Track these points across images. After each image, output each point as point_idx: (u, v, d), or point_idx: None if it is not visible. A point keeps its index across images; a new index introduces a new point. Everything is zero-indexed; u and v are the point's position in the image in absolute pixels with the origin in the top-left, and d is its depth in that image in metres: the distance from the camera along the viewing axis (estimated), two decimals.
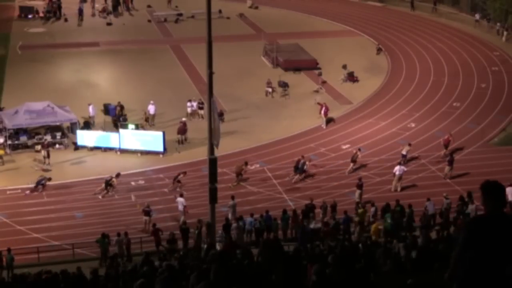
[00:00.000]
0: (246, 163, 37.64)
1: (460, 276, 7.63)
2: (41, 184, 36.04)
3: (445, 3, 76.86)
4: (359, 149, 39.10)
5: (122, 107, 44.67)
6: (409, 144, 39.87)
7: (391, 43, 63.42)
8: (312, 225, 31.27)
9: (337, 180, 37.21)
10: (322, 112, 44.75)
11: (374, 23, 70.56)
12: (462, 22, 70.18)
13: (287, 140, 42.63)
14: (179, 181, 36.20)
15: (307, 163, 37.50)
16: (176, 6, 74.50)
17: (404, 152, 38.98)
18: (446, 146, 40.26)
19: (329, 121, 45.05)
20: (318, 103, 45.67)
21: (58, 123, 42.43)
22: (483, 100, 49.06)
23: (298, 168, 37.37)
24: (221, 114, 41.90)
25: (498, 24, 66.20)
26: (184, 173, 36.73)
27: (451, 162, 37.26)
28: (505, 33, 64.04)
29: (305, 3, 79.53)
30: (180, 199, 32.94)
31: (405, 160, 38.63)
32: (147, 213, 32.77)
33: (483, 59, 58.26)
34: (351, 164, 38.32)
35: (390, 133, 43.64)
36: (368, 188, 35.89)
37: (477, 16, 66.78)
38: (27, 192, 35.87)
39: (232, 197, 32.91)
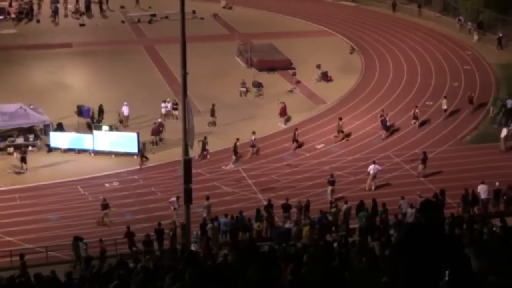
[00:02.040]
0: (237, 139, 39.18)
1: (400, 278, 8.30)
2: None
3: (416, 3, 77.34)
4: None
5: (101, 110, 44.28)
6: (445, 97, 46.12)
7: (365, 43, 63.71)
8: (287, 225, 31.34)
9: (312, 179, 37.32)
10: (279, 111, 44.94)
11: (347, 23, 70.85)
12: (435, 22, 70.71)
13: (261, 140, 42.63)
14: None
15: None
16: (150, 7, 74.21)
17: (444, 107, 45.46)
18: (382, 123, 43.10)
19: (288, 120, 45.24)
20: (282, 103, 45.70)
21: (31, 125, 42.05)
22: (455, 98, 49.45)
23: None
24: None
25: (470, 23, 66.80)
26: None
27: (424, 161, 37.56)
28: (476, 32, 64.66)
29: (279, 3, 79.59)
30: (173, 199, 32.68)
31: (447, 115, 45.31)
32: (104, 206, 33.00)
33: (455, 58, 58.77)
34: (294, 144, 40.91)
35: (364, 132, 43.85)
36: (342, 187, 36.07)
37: (462, 19, 67.05)
38: None
39: (207, 198, 32.89)
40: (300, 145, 41.92)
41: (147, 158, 39.13)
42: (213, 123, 44.49)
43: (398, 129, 44.41)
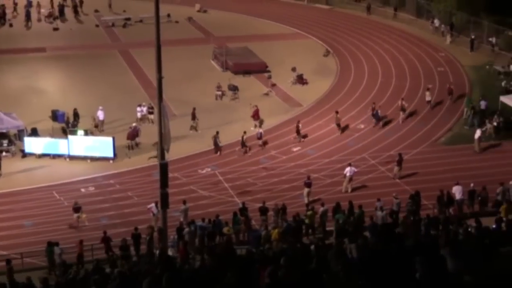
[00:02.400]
0: (245, 132, 41.56)
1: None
2: None
3: (391, 5, 77.88)
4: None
5: (76, 114, 43.97)
6: (428, 89, 48.75)
7: (339, 45, 63.98)
8: (263, 229, 31.32)
9: (289, 182, 37.37)
10: (252, 114, 45.03)
11: (322, 26, 71.10)
12: (408, 24, 71.22)
13: (237, 143, 42.63)
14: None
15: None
16: (124, 11, 73.90)
17: (428, 98, 47.75)
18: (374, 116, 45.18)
19: (261, 123, 45.37)
20: (254, 106, 45.71)
21: (4, 131, 41.63)
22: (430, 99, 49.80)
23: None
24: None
25: (443, 25, 67.37)
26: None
27: (399, 163, 37.79)
28: (449, 34, 65.23)
29: (254, 7, 79.67)
30: (152, 205, 32.45)
31: (432, 106, 47.66)
32: (77, 209, 32.93)
33: (429, 60, 59.21)
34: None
35: (340, 135, 43.99)
36: (319, 189, 36.18)
37: (436, 23, 67.39)
38: None
39: (184, 202, 32.82)
40: (304, 136, 43.24)
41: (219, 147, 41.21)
42: (194, 128, 44.40)
43: (390, 121, 45.71)
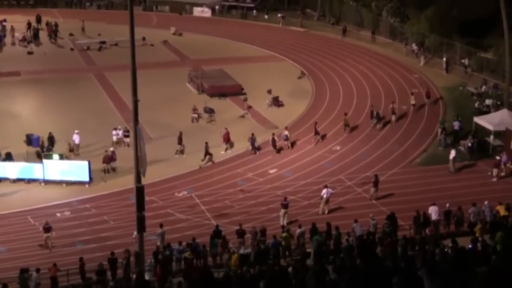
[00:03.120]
0: (273, 134, 45.58)
1: None
2: None
3: (366, 29, 78.70)
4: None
5: (51, 138, 43.61)
6: (412, 93, 53.24)
7: (314, 67, 64.39)
8: (241, 251, 31.23)
9: (266, 204, 37.35)
10: (222, 137, 45.14)
11: (297, 48, 71.56)
12: (382, 46, 71.94)
13: (214, 166, 42.65)
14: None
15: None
16: (99, 34, 73.86)
17: (413, 102, 52.35)
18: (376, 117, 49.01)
19: (231, 145, 45.47)
20: (225, 129, 45.76)
21: None
22: (405, 121, 50.26)
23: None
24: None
25: (416, 47, 68.13)
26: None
27: (376, 184, 37.94)
28: (422, 56, 65.97)
29: (229, 29, 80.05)
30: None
31: (416, 109, 51.86)
32: (47, 229, 32.81)
33: (403, 82, 59.75)
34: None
35: (316, 156, 44.14)
36: (296, 211, 36.18)
37: (414, 47, 67.85)
38: None
39: (161, 225, 32.61)
40: (323, 136, 46.58)
41: (211, 154, 42.89)
42: (181, 151, 44.33)
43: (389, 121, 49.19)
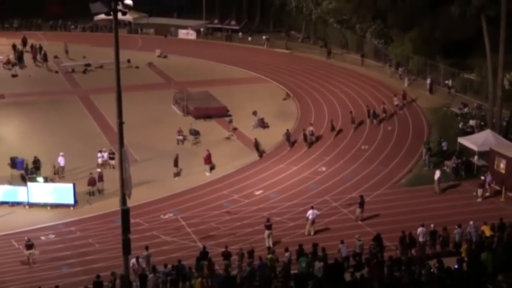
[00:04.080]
0: (287, 129, 50.93)
1: None
2: None
3: (350, 50, 79.27)
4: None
5: (37, 162, 43.32)
6: (395, 95, 58.73)
7: (299, 89, 64.66)
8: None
9: (252, 226, 37.27)
10: (204, 159, 45.10)
11: (282, 70, 71.91)
12: (366, 68, 72.42)
13: (199, 188, 42.58)
14: None
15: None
16: (84, 57, 73.87)
17: (396, 103, 58.09)
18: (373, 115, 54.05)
19: (212, 168, 45.47)
20: (207, 150, 45.76)
21: None
22: (389, 142, 50.48)
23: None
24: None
25: (400, 69, 68.62)
26: None
27: (361, 204, 37.98)
28: (406, 78, 66.43)
29: (213, 52, 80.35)
30: (133, 261, 31.89)
31: (400, 108, 57.27)
32: (29, 246, 32.75)
33: (388, 103, 60.00)
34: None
35: (301, 178, 44.18)
36: (282, 233, 36.12)
37: (400, 70, 67.92)
38: None
39: (146, 248, 32.42)
40: (311, 143, 50.01)
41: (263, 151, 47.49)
42: (178, 174, 44.21)
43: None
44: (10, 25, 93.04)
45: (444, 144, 47.37)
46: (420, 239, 33.84)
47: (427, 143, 47.57)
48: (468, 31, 63.16)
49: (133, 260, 31.15)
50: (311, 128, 50.83)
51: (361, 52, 75.49)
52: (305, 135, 50.05)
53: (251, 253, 32.40)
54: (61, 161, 43.61)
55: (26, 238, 33.73)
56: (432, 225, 34.52)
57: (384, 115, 55.54)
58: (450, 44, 67.09)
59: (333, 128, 52.67)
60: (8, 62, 71.52)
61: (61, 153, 43.96)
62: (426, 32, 68.83)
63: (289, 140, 49.96)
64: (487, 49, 51.43)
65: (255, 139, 48.95)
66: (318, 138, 50.70)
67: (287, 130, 50.84)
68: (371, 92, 63.51)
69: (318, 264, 30.19)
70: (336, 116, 56.58)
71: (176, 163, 44.45)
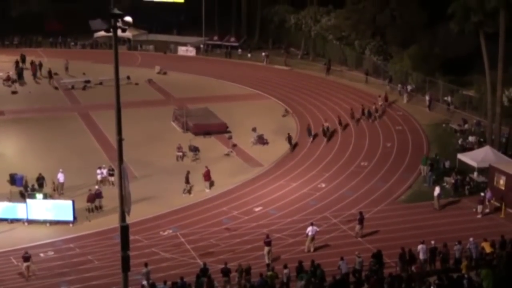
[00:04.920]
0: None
1: None
2: None
3: (349, 65, 79.52)
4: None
5: (40, 178, 43.20)
6: (379, 96, 63.46)
7: (299, 105, 64.74)
8: None
9: (251, 243, 37.18)
10: (203, 175, 45.04)
11: (281, 86, 72.04)
12: (365, 84, 72.57)
13: (199, 204, 42.52)
14: None
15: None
16: (84, 73, 74.02)
17: (380, 103, 62.62)
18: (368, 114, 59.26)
19: (212, 184, 45.43)
20: (205, 167, 45.74)
21: None
22: (389, 158, 50.49)
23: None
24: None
25: (399, 85, 68.77)
26: None
27: (361, 221, 37.91)
28: (405, 94, 66.57)
29: (213, 68, 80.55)
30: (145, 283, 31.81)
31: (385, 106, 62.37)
32: (26, 259, 32.76)
33: (387, 119, 60.14)
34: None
35: (301, 194, 44.13)
36: (281, 249, 36.03)
37: (409, 88, 67.60)
38: None
39: (146, 265, 32.34)
40: (315, 136, 55.18)
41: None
42: (189, 191, 44.24)
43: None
44: (11, 42, 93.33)
45: (446, 162, 47.31)
46: (421, 256, 33.75)
47: (425, 160, 47.40)
48: (467, 48, 63.46)
49: (144, 282, 31.11)
50: (327, 123, 55.94)
51: (365, 70, 75.31)
52: (324, 131, 55.15)
53: (247, 270, 32.24)
54: (60, 177, 43.58)
55: (23, 250, 33.65)
56: (432, 242, 34.45)
57: (376, 114, 60.11)
58: (449, 60, 67.34)
59: (324, 132, 55.39)
60: (8, 79, 71.64)
61: (61, 169, 43.94)
62: (425, 48, 69.14)
63: (310, 133, 55.01)
64: (485, 65, 51.55)
65: (288, 133, 53.89)
66: (332, 135, 55.77)
67: (308, 124, 56.60)
68: (383, 120, 63.52)
69: (299, 283, 30.24)
70: (336, 132, 56.57)
71: (187, 180, 44.40)
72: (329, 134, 55.16)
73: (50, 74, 72.72)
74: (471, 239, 34.61)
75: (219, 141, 54.47)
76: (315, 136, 55.09)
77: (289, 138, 53.38)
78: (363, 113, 59.82)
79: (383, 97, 64.38)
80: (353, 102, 65.27)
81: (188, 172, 44.69)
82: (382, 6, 75.22)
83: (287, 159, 50.56)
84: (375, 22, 76.66)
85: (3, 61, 76.98)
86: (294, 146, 52.80)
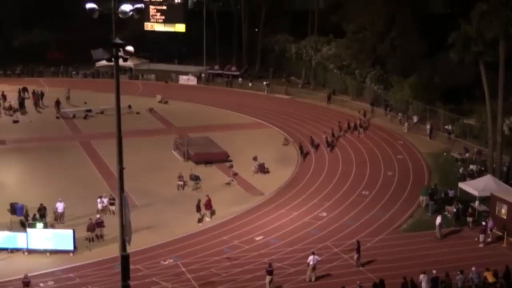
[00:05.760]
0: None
1: None
2: None
3: (349, 95, 79.78)
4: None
5: (42, 209, 43.10)
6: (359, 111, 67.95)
7: (300, 134, 64.83)
8: None
9: (252, 272, 36.99)
10: (204, 204, 44.88)
11: (282, 115, 72.23)
12: (371, 114, 72.71)
13: (200, 233, 42.36)
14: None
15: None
16: (85, 102, 74.28)
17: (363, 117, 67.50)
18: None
19: (213, 213, 45.24)
20: (206, 196, 45.66)
21: None
22: (390, 187, 50.42)
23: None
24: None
25: (400, 114, 68.95)
26: None
27: (358, 250, 37.75)
28: (406, 123, 66.72)
29: (214, 97, 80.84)
30: None
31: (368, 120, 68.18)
32: (26, 284, 33.00)
33: (388, 148, 60.19)
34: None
35: (302, 223, 43.99)
36: (282, 279, 35.84)
37: (415, 119, 67.55)
38: None
39: None
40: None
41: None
42: (201, 219, 44.20)
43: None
44: (13, 72, 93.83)
45: (450, 192, 47.17)
46: (423, 286, 33.56)
47: (425, 191, 47.20)
48: (467, 77, 63.68)
49: None
50: (325, 135, 61.39)
51: (371, 101, 75.04)
52: (326, 139, 60.64)
53: None
54: (59, 207, 43.46)
55: (23, 274, 33.52)
56: (434, 271, 34.29)
57: (361, 128, 65.41)
58: (449, 89, 67.57)
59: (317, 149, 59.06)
60: (9, 108, 71.90)
61: (59, 199, 43.85)
62: (425, 77, 69.42)
63: (313, 143, 59.98)
64: (486, 94, 51.68)
65: (300, 143, 59.31)
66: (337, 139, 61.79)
67: (311, 136, 61.68)
68: (371, 136, 63.69)
69: None
70: (336, 160, 56.64)
71: (198, 208, 44.28)
72: (332, 144, 60.16)
73: (57, 104, 72.81)
74: (473, 268, 34.46)
75: (220, 170, 54.46)
76: (318, 146, 60.18)
77: (301, 148, 58.83)
78: (348, 127, 65.24)
79: (362, 113, 68.98)
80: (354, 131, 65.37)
81: (199, 201, 44.61)
82: (382, 36, 75.75)
83: (288, 188, 50.47)
84: (376, 52, 77.11)
85: (5, 91, 77.16)
86: (305, 155, 57.97)
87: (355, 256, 37.81)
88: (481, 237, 40.79)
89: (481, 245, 40.58)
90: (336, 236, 41.80)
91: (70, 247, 39.36)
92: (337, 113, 73.33)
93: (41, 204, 43.30)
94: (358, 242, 38.39)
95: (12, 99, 74.42)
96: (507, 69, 49.58)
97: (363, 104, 74.89)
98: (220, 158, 56.26)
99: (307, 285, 34.84)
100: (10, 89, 77.27)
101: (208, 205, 44.99)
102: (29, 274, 35.66)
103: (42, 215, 42.80)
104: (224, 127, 67.10)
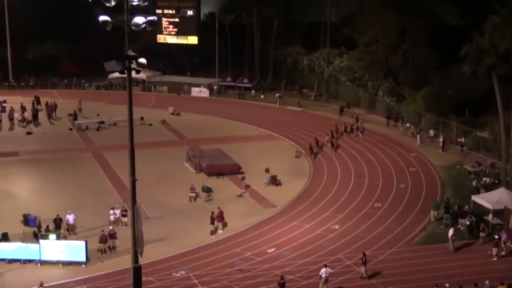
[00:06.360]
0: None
1: None
2: None
3: (362, 107, 79.70)
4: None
5: (57, 220, 43.23)
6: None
7: (313, 146, 64.69)
8: None
9: (264, 284, 36.90)
10: (216, 216, 44.81)
11: (294, 127, 72.22)
12: (378, 125, 72.64)
13: (212, 245, 42.32)
14: None
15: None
16: (98, 114, 74.59)
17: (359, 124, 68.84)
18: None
19: (225, 225, 45.19)
20: (218, 208, 45.63)
21: None
22: (403, 200, 50.23)
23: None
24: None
25: (412, 126, 68.80)
26: None
27: (364, 262, 37.58)
28: (418, 135, 66.55)
29: (226, 109, 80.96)
30: None
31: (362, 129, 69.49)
32: None
33: (401, 160, 60.02)
34: None
35: (314, 235, 43.88)
36: None
37: (431, 133, 66.88)
38: None
39: None
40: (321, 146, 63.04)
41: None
42: (214, 231, 44.22)
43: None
44: (26, 84, 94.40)
45: (466, 207, 46.89)
46: None
47: (435, 206, 46.92)
48: (480, 89, 63.49)
49: None
50: (327, 137, 64.83)
51: (387, 114, 74.69)
52: (331, 143, 63.74)
53: None
54: (70, 219, 43.55)
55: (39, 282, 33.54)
56: (447, 285, 34.09)
57: (358, 131, 68.73)
58: (462, 102, 67.37)
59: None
60: (23, 119, 72.30)
61: (69, 211, 43.94)
62: (438, 90, 69.26)
63: (317, 144, 63.33)
64: (499, 107, 51.51)
65: (310, 144, 62.31)
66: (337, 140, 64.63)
67: (315, 138, 64.53)
68: (383, 149, 63.56)
69: None
70: (349, 172, 56.54)
71: (212, 220, 44.29)
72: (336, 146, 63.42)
73: (75, 115, 73.25)
74: (487, 282, 34.24)
75: (232, 182, 54.46)
76: (322, 146, 63.18)
77: (311, 148, 61.90)
78: (345, 130, 68.60)
79: (355, 118, 72.18)
80: (366, 143, 65.28)
81: (213, 213, 44.61)
82: (394, 48, 75.70)
83: (300, 200, 50.38)
84: (388, 64, 77.05)
85: (19, 102, 77.62)
86: (315, 155, 60.95)
87: (362, 268, 37.66)
88: (494, 250, 40.53)
89: (494, 259, 40.31)
90: (348, 249, 41.65)
91: (83, 258, 39.42)
92: (351, 126, 73.13)
93: (57, 215, 43.44)
94: (364, 254, 38.27)
95: (26, 111, 74.83)
96: None
97: (379, 117, 74.74)
98: (232, 170, 56.28)
99: None
100: (23, 101, 77.62)
101: (220, 217, 44.98)
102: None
103: (58, 226, 42.93)
104: (236, 139, 67.16)
